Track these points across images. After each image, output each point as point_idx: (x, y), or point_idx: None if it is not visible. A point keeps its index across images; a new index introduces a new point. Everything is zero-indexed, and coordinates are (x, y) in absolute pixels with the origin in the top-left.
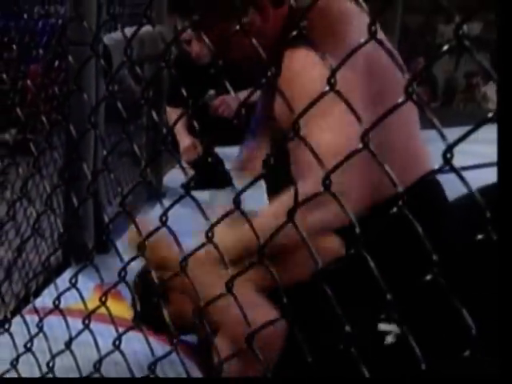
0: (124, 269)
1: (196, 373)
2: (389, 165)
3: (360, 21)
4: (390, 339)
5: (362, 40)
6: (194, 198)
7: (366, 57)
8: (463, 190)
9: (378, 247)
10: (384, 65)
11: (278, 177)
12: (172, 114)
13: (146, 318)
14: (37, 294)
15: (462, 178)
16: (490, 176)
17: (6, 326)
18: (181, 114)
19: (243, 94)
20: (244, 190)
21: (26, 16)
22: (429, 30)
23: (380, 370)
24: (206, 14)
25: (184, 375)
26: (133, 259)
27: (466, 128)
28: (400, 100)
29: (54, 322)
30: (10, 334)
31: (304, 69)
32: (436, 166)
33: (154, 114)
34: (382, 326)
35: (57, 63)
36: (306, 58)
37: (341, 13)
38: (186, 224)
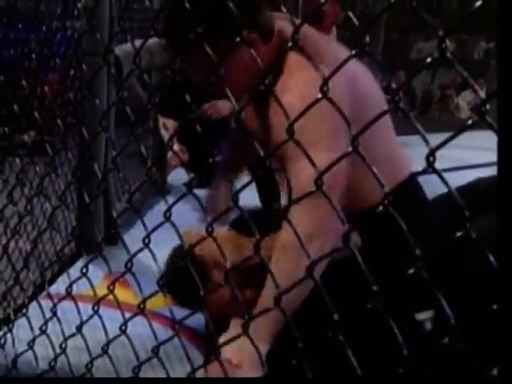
0: (130, 260)
1: (195, 354)
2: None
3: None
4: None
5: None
6: (196, 196)
7: (348, 79)
8: (438, 190)
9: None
10: (364, 83)
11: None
12: (165, 122)
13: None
14: (52, 281)
15: (443, 179)
16: (466, 177)
17: (24, 311)
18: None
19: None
20: (240, 190)
21: (44, 29)
22: (407, 46)
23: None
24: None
25: (185, 357)
26: (139, 251)
27: (442, 134)
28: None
29: (66, 307)
30: (27, 318)
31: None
32: (416, 168)
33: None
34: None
35: (72, 72)
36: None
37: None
38: (189, 218)
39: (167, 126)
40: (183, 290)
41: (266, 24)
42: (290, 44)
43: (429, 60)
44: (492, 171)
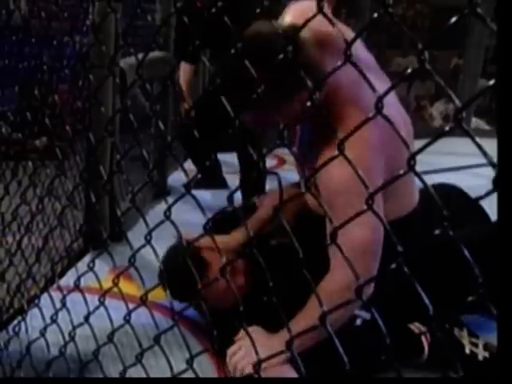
0: (134, 255)
1: (194, 342)
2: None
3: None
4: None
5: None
6: (194, 197)
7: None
8: None
9: None
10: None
11: None
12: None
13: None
14: (62, 275)
15: (423, 182)
16: (442, 180)
17: (36, 301)
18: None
19: None
20: (234, 191)
21: (55, 43)
22: (387, 61)
23: None
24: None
25: (184, 345)
26: (141, 247)
27: (418, 141)
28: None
29: (75, 298)
30: (39, 308)
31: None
32: None
33: (161, 125)
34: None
35: (80, 83)
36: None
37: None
38: (188, 216)
39: (185, 70)
40: (180, 288)
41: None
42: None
43: (409, 70)
44: (462, 175)
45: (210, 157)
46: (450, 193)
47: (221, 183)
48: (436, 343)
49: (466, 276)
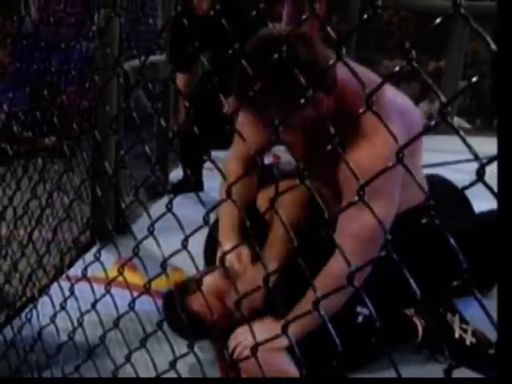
0: (137, 246)
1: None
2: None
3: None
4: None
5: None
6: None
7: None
8: None
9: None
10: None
11: None
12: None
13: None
14: (70, 265)
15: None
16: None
17: (47, 290)
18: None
19: None
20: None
21: (63, 47)
22: (375, 63)
23: None
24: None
25: None
26: (144, 238)
27: None
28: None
29: (83, 287)
30: (50, 296)
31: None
32: None
33: (162, 122)
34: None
35: (87, 84)
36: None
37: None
38: (188, 210)
39: (179, 79)
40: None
41: (330, 80)
42: (362, 109)
43: (397, 68)
44: (445, 170)
45: (200, 161)
46: (438, 183)
47: (200, 186)
48: (428, 327)
49: (453, 263)
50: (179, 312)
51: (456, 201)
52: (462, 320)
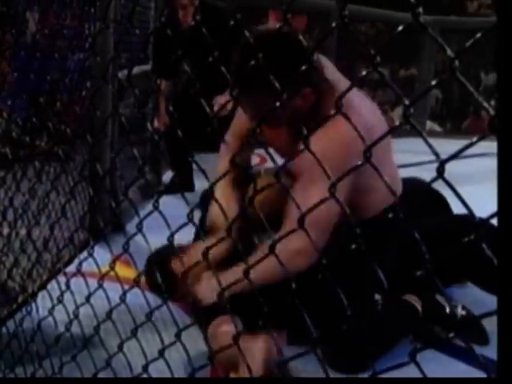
0: (127, 242)
1: (185, 318)
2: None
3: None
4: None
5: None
6: (163, 193)
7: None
8: None
9: None
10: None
11: None
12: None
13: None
14: (68, 262)
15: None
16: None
17: (46, 285)
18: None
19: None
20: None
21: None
22: (353, 71)
23: None
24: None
25: (178, 321)
26: (133, 235)
27: None
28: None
29: (81, 282)
30: (48, 291)
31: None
32: None
33: (149, 126)
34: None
35: (83, 92)
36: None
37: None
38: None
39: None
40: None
41: (317, 77)
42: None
43: (364, 73)
44: (416, 170)
45: (188, 161)
46: (413, 186)
47: (191, 187)
48: (424, 306)
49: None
50: (157, 272)
51: (431, 204)
52: (451, 299)
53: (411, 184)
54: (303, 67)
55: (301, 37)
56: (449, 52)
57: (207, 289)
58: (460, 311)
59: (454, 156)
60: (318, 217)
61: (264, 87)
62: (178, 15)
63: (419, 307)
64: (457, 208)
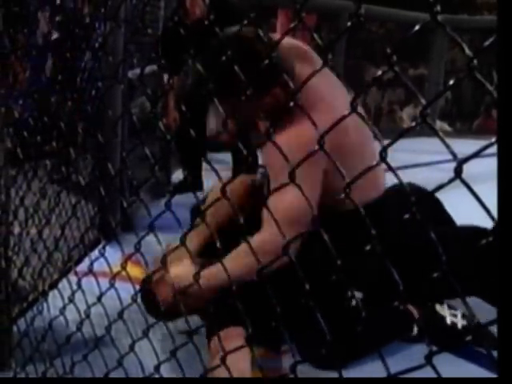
0: (139, 242)
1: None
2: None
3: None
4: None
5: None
6: (175, 193)
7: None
8: None
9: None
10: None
11: None
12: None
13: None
14: (79, 261)
15: (393, 172)
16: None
17: (57, 285)
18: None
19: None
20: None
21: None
22: (362, 70)
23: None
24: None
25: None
26: (145, 235)
27: (389, 140)
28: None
29: (92, 281)
30: (59, 290)
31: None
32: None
33: (161, 125)
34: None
35: (93, 91)
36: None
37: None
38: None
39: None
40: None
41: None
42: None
43: (380, 73)
44: (427, 170)
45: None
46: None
47: (199, 186)
48: (422, 317)
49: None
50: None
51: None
52: (450, 307)
53: (412, 190)
54: (263, 67)
55: (260, 36)
56: (467, 51)
57: (183, 271)
58: (461, 321)
59: (473, 156)
60: (286, 208)
61: (229, 92)
62: (185, 6)
63: (415, 313)
64: (462, 210)
